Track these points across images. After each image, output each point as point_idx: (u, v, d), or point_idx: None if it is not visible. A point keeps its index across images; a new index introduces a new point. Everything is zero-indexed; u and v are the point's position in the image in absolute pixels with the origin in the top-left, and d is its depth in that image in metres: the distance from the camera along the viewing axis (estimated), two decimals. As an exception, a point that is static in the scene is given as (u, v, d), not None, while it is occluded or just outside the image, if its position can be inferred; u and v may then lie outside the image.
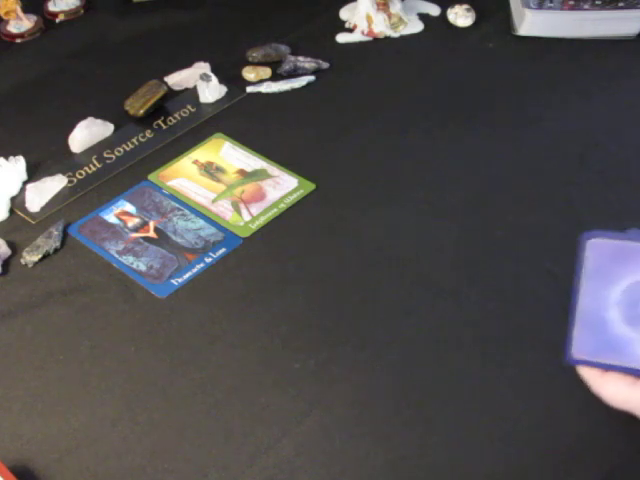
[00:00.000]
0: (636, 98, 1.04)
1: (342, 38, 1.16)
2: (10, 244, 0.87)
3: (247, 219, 0.89)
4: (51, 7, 1.24)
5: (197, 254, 0.85)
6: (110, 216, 0.90)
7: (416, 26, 1.17)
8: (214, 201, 0.91)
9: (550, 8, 1.12)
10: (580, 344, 0.56)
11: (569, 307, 0.56)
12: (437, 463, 0.67)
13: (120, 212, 0.90)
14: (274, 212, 0.90)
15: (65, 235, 0.88)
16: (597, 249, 0.57)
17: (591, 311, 0.56)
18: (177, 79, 1.08)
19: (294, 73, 1.08)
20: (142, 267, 0.84)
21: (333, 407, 0.71)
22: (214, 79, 1.05)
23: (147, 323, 0.79)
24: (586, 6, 1.12)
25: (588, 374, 0.56)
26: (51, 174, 0.95)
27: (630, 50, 1.11)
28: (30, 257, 0.85)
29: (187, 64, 1.10)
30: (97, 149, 0.99)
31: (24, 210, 0.92)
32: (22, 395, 0.73)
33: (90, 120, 1.00)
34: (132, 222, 0.89)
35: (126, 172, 0.96)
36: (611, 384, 0.55)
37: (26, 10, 1.20)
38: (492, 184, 0.92)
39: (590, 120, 1.00)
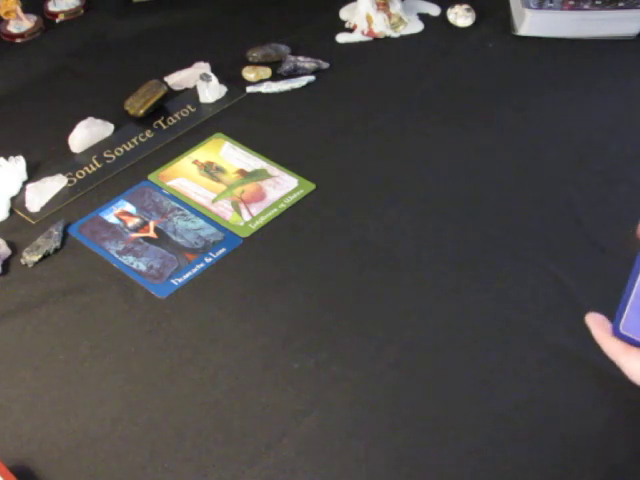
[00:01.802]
0: (636, 98, 1.04)
1: (342, 38, 1.16)
2: (10, 244, 0.87)
3: (247, 219, 0.89)
4: (51, 7, 1.24)
5: (197, 254, 0.85)
6: (110, 216, 0.90)
7: (416, 26, 1.17)
8: (214, 201, 0.91)
9: (550, 8, 1.12)
10: (629, 321, 0.56)
11: (628, 280, 0.57)
12: (437, 463, 0.67)
13: (120, 212, 0.90)
14: (274, 212, 0.90)
15: (65, 235, 0.88)
16: None
17: None
18: (177, 79, 1.08)
19: (294, 73, 1.08)
20: (142, 267, 0.84)
21: (333, 407, 0.71)
22: (214, 79, 1.05)
23: (147, 323, 0.79)
24: (586, 6, 1.12)
25: (612, 349, 0.57)
26: (51, 174, 0.95)
27: (630, 50, 1.11)
28: (30, 257, 0.85)
29: (187, 64, 1.10)
30: (97, 149, 0.99)
31: (24, 210, 0.92)
32: (22, 395, 0.73)
33: (90, 120, 1.00)
34: (132, 222, 0.89)
35: (126, 172, 0.96)
36: (636, 361, 0.56)
37: (26, 10, 1.20)
38: (492, 184, 0.92)
39: (590, 120, 1.00)
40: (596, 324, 0.58)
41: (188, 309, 0.80)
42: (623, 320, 0.57)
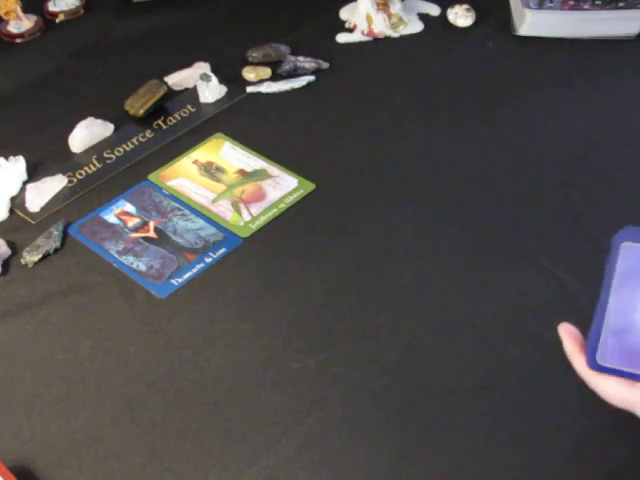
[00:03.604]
0: (636, 98, 1.04)
1: (342, 38, 1.16)
2: (10, 244, 0.87)
3: (247, 219, 0.89)
4: (51, 7, 1.24)
5: (197, 254, 0.85)
6: (110, 216, 0.90)
7: (416, 26, 1.17)
8: (214, 201, 0.91)
9: (550, 8, 1.12)
10: (605, 350, 0.54)
11: (594, 310, 0.55)
12: (437, 463, 0.67)
13: (120, 212, 0.90)
14: (274, 212, 0.90)
15: (65, 235, 0.88)
16: (630, 252, 0.55)
17: (619, 317, 0.54)
18: (177, 79, 1.08)
19: (294, 73, 1.08)
20: (142, 267, 0.84)
21: (333, 407, 0.71)
22: (214, 79, 1.05)
23: (147, 323, 0.79)
24: (586, 6, 1.12)
25: (585, 371, 0.56)
26: (51, 174, 0.95)
27: (630, 50, 1.11)
28: (30, 257, 0.85)
29: (187, 64, 1.10)
30: (97, 149, 0.99)
31: (24, 210, 0.92)
32: (22, 395, 0.73)
33: (90, 120, 1.00)
34: (132, 222, 0.89)
35: (126, 172, 0.96)
36: (609, 383, 0.54)
37: (26, 10, 1.20)
38: (492, 184, 0.92)
39: (590, 120, 1.00)
40: (569, 337, 0.56)
41: (188, 309, 0.80)
42: (599, 351, 0.54)
